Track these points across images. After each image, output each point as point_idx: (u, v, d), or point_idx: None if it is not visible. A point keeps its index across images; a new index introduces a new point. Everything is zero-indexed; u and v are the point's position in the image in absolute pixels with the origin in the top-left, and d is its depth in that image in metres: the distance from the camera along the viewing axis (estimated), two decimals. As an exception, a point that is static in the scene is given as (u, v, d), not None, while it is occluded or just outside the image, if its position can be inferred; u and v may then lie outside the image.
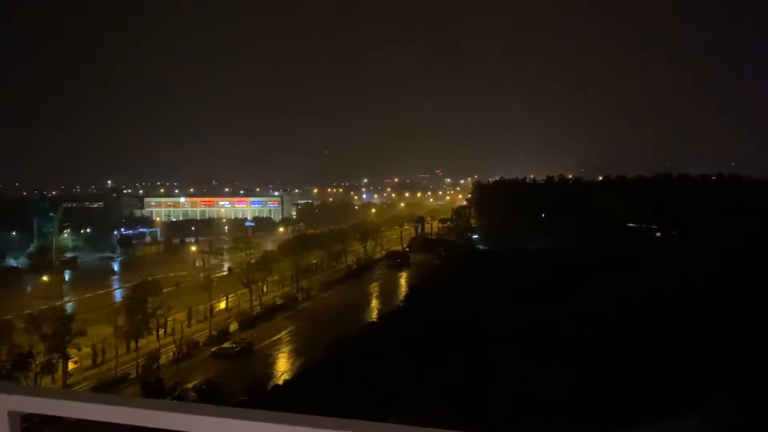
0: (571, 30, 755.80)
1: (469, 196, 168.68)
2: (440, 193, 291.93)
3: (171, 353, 58.86)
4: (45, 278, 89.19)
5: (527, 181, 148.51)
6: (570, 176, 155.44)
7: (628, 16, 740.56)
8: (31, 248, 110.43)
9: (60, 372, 49.01)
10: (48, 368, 46.68)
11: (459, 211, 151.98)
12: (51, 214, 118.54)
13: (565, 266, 76.29)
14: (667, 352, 42.22)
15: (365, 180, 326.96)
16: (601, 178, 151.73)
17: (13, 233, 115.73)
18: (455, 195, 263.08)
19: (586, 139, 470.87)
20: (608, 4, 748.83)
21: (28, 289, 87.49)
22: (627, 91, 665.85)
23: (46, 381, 46.98)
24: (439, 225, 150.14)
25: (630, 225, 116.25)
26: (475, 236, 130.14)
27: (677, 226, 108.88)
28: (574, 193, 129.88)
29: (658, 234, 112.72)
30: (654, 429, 25.83)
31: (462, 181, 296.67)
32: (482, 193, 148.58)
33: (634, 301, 56.63)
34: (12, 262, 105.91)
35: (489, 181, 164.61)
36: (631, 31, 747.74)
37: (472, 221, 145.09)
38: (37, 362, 45.95)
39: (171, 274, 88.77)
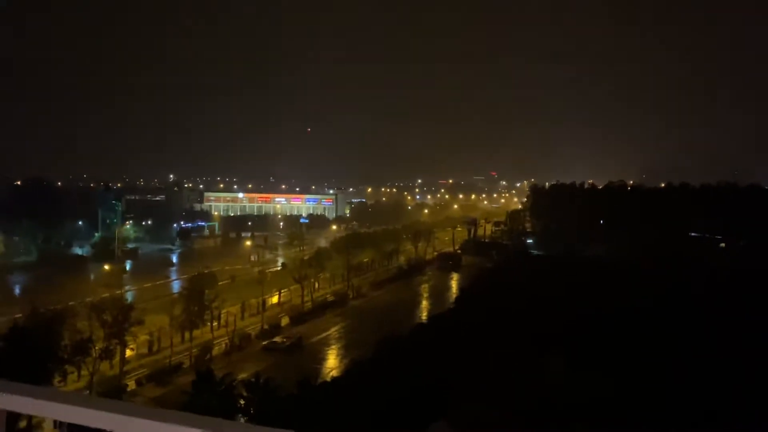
0: (637, 32, 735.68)
1: (525, 199, 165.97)
2: (495, 195, 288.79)
3: (224, 345, 60.15)
4: (107, 267, 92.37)
5: (585, 186, 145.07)
6: (631, 182, 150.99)
7: (702, 16, 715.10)
8: (96, 237, 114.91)
9: (117, 358, 50.49)
10: (106, 354, 48.21)
11: (513, 215, 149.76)
12: (115, 206, 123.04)
13: (619, 275, 74.10)
14: (718, 367, 40.69)
15: (419, 180, 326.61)
16: (663, 185, 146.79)
17: (80, 222, 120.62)
18: (510, 198, 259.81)
19: (649, 146, 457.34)
20: (680, 5, 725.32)
21: (92, 276, 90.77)
22: (697, 96, 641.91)
23: (104, 366, 48.71)
24: (492, 228, 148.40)
25: (692, 234, 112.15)
26: (530, 240, 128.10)
27: (745, 237, 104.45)
28: (634, 200, 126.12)
29: (723, 245, 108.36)
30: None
31: (518, 185, 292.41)
32: (538, 197, 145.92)
33: (688, 313, 54.65)
34: (77, 250, 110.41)
35: (546, 185, 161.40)
36: (701, 32, 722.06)
37: (527, 225, 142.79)
38: (97, 348, 47.55)
39: (227, 268, 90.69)
